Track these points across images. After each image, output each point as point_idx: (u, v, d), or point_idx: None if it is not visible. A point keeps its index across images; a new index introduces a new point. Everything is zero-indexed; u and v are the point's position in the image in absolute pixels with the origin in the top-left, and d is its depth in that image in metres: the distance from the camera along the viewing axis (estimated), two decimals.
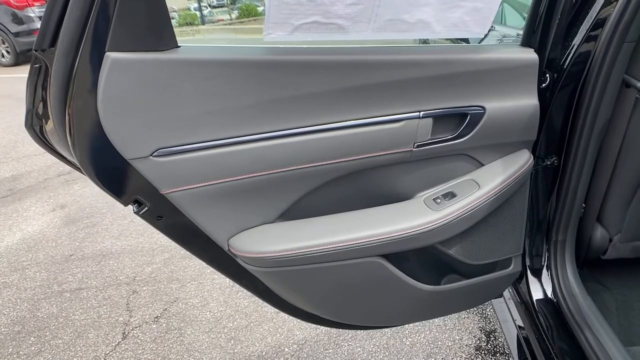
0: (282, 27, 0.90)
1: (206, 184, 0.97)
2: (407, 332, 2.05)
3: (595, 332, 1.22)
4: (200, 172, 0.95)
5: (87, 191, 3.58)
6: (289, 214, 1.10)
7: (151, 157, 0.90)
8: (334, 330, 2.07)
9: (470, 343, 1.98)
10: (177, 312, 2.27)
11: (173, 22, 0.86)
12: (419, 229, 1.06)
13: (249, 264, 1.09)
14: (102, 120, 0.83)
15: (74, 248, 2.86)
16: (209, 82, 0.89)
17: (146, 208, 0.97)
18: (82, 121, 0.83)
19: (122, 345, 2.09)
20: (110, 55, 0.79)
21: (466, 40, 1.65)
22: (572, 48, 1.14)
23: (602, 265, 1.54)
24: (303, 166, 1.02)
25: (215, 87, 0.90)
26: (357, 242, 1.05)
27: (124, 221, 3.12)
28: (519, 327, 1.55)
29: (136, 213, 0.98)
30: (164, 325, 2.19)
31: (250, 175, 0.99)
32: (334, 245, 1.04)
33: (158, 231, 1.04)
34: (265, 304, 1.27)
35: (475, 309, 2.16)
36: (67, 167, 0.96)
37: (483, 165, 1.18)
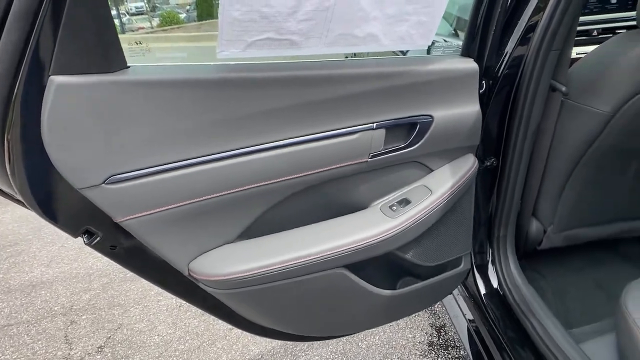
0: (236, 44, 0.88)
1: (163, 208, 0.93)
2: (362, 335, 2.09)
3: (539, 319, 1.31)
4: (156, 196, 0.91)
5: (7, 217, 3.29)
6: (250, 232, 1.08)
7: (104, 184, 0.84)
8: (289, 342, 2.06)
9: (423, 340, 2.05)
10: (122, 340, 2.14)
11: None
12: (379, 236, 1.09)
13: (211, 287, 1.05)
14: (48, 148, 0.77)
15: None
16: (161, 103, 0.85)
17: (98, 238, 0.91)
18: (23, 149, 0.76)
19: None
20: (55, 80, 0.74)
21: (403, 52, 1.71)
22: (505, 56, 1.22)
23: (538, 255, 1.67)
24: (262, 184, 1.01)
25: (167, 108, 0.86)
26: (322, 255, 1.05)
27: (53, 247, 2.90)
28: (469, 320, 1.63)
29: (87, 244, 0.91)
30: (109, 354, 2.06)
31: (208, 197, 0.96)
32: (299, 260, 1.04)
33: (102, 256, 0.97)
34: (217, 320, 1.23)
35: None
36: None
37: (433, 170, 1.24)
